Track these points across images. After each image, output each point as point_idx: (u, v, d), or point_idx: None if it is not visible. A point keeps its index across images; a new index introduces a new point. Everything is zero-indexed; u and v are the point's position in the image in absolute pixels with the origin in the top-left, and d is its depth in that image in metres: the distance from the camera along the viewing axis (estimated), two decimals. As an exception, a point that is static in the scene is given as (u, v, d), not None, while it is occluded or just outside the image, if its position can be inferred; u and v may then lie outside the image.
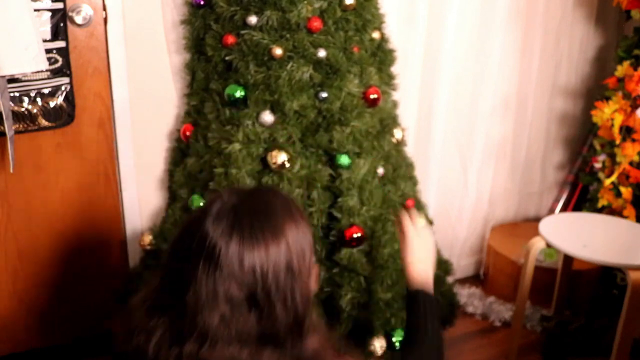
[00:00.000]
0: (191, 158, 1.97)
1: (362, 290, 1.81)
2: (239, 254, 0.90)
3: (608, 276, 2.53)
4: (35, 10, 1.77)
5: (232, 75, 1.84)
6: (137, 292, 1.02)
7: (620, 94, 2.47)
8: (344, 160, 1.80)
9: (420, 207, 2.16)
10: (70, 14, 1.91)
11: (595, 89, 2.96)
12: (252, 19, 1.78)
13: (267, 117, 1.79)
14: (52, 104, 1.94)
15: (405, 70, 2.40)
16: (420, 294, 1.35)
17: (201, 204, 1.90)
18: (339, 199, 1.80)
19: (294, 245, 0.94)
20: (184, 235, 0.96)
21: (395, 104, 2.11)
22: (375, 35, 1.97)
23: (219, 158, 1.81)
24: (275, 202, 0.98)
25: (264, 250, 0.91)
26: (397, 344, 1.88)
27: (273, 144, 1.78)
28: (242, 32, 1.80)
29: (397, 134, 2.04)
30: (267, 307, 0.91)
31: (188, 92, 2.10)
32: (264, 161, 1.80)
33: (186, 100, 2.10)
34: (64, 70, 1.93)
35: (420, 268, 1.40)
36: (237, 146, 1.77)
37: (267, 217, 0.94)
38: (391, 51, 2.09)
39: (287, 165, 1.76)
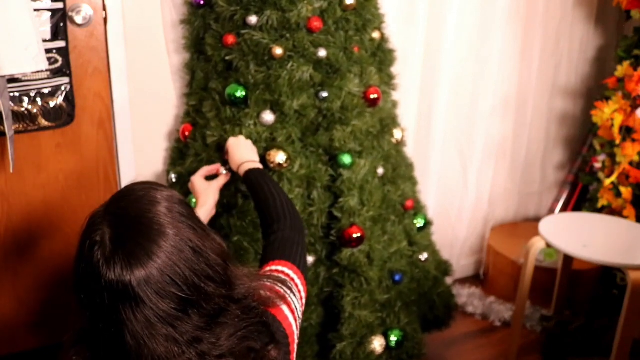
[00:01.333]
0: (190, 158, 1.97)
1: (363, 290, 1.81)
2: (148, 277, 0.87)
3: (608, 276, 2.53)
4: (35, 10, 1.77)
5: (233, 75, 1.84)
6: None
7: (620, 94, 2.47)
8: (346, 159, 1.80)
9: (420, 207, 2.16)
10: (70, 14, 1.91)
11: (595, 89, 2.96)
12: (252, 19, 1.78)
13: (268, 116, 1.79)
14: (52, 104, 1.93)
15: (405, 70, 2.40)
16: (250, 173, 1.50)
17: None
18: (340, 199, 1.80)
19: (180, 228, 0.92)
20: (84, 291, 0.92)
21: (395, 104, 2.11)
22: (375, 35, 1.97)
23: (218, 158, 1.81)
24: (140, 203, 0.94)
25: (164, 254, 0.89)
26: (394, 344, 1.88)
27: (272, 144, 1.78)
28: (242, 32, 1.80)
29: (397, 134, 2.04)
30: (199, 296, 0.90)
31: (187, 92, 2.10)
32: (263, 160, 1.80)
33: (185, 100, 2.10)
34: (64, 70, 1.93)
35: (242, 155, 1.59)
36: None
37: (145, 226, 0.90)
38: (391, 51, 2.09)
39: (286, 164, 1.76)
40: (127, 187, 0.99)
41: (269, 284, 1.06)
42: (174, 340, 0.88)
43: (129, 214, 0.92)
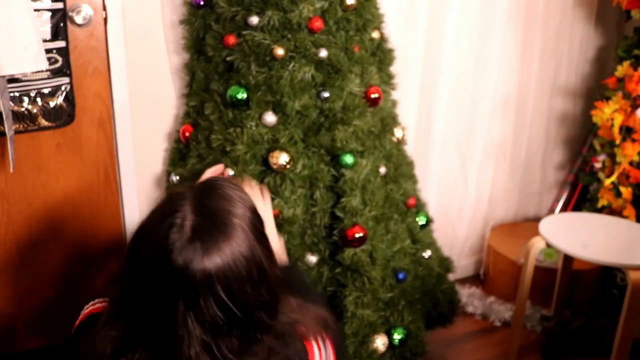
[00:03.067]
0: (192, 159, 1.97)
1: (366, 290, 1.81)
2: (212, 278, 0.86)
3: (608, 276, 2.53)
4: (35, 10, 1.77)
5: (234, 76, 1.84)
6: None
7: (620, 94, 2.48)
8: (348, 159, 1.80)
9: (421, 205, 2.16)
10: (70, 14, 1.91)
11: (595, 89, 2.96)
12: (254, 19, 1.77)
13: (270, 117, 1.79)
14: (52, 104, 1.93)
15: (405, 70, 2.40)
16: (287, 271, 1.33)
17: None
18: (342, 199, 1.80)
19: (255, 246, 0.91)
20: (141, 266, 0.90)
21: (394, 103, 2.11)
22: (375, 35, 1.97)
23: (224, 160, 1.81)
24: (227, 204, 0.93)
25: (233, 263, 0.88)
26: (397, 342, 1.88)
27: (274, 145, 1.78)
28: (244, 32, 1.80)
29: (398, 132, 2.04)
30: (247, 320, 0.89)
31: (187, 93, 2.10)
32: (266, 162, 1.80)
33: (185, 101, 2.10)
34: (64, 70, 1.93)
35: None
36: (242, 148, 1.77)
37: (226, 228, 0.90)
38: (390, 51, 2.09)
39: (288, 165, 1.76)
40: (215, 181, 0.98)
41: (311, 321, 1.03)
42: (210, 351, 0.88)
43: (214, 210, 0.91)
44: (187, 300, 0.86)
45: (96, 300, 1.13)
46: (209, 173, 1.58)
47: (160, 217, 0.91)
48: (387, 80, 2.09)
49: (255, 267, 0.90)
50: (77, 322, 1.12)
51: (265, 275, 0.92)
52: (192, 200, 0.92)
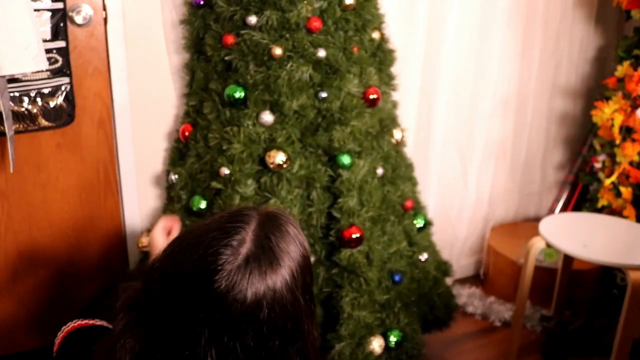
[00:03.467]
0: (191, 158, 1.97)
1: (362, 291, 1.81)
2: (246, 314, 0.81)
3: (608, 276, 2.53)
4: (35, 10, 1.77)
5: (232, 75, 1.84)
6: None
7: (620, 94, 2.47)
8: (346, 159, 1.80)
9: (419, 207, 2.16)
10: (70, 14, 1.91)
11: (595, 89, 2.96)
12: (252, 19, 1.78)
13: (267, 117, 1.79)
14: (52, 104, 1.94)
15: (405, 70, 2.40)
16: None
17: (202, 205, 1.89)
18: (339, 200, 1.80)
19: (297, 297, 0.86)
20: (182, 284, 0.83)
21: (395, 105, 2.11)
22: (375, 35, 1.97)
23: (220, 158, 1.81)
24: (289, 245, 0.88)
25: (270, 306, 0.82)
26: (393, 344, 1.88)
27: (271, 144, 1.78)
28: (242, 32, 1.80)
29: (397, 134, 2.04)
30: None
31: (187, 92, 2.10)
32: (262, 161, 1.80)
33: (185, 101, 2.10)
34: (64, 70, 1.93)
35: None
36: (238, 147, 1.77)
37: (277, 266, 0.85)
38: (391, 51, 2.09)
39: (285, 165, 1.76)
40: (283, 214, 0.92)
41: None
42: None
43: (274, 245, 0.86)
44: (213, 331, 0.81)
45: (75, 321, 1.08)
46: (163, 225, 1.42)
47: (217, 232, 0.85)
48: (388, 81, 2.09)
49: (292, 317, 0.85)
50: (58, 341, 1.08)
51: (300, 332, 0.86)
52: (256, 227, 0.86)
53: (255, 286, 0.81)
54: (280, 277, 0.84)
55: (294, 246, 0.88)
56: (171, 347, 0.84)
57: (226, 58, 1.85)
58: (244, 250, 0.83)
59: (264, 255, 0.84)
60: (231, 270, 0.81)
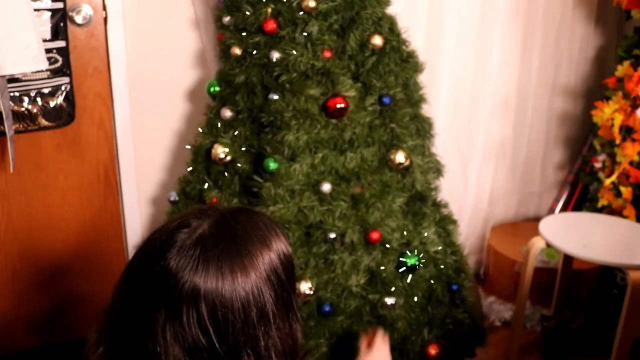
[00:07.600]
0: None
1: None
2: (200, 296, 0.79)
3: (608, 276, 2.53)
4: (35, 10, 1.77)
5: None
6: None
7: (620, 94, 2.47)
8: (272, 164, 1.68)
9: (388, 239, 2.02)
10: (70, 13, 1.91)
11: (595, 89, 2.96)
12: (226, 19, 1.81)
13: (227, 113, 1.80)
14: (52, 104, 1.93)
15: (405, 70, 2.39)
16: None
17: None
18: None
19: (264, 289, 0.83)
20: (140, 268, 0.83)
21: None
22: (378, 41, 1.85)
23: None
24: (253, 234, 0.85)
25: (233, 291, 0.80)
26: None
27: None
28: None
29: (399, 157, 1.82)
30: (233, 355, 0.81)
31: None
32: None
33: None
34: (64, 70, 1.93)
35: None
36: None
37: (238, 254, 0.82)
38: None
39: (226, 160, 1.78)
40: (257, 213, 0.91)
41: None
42: None
43: (236, 232, 0.84)
44: (168, 311, 0.79)
45: None
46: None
47: (180, 217, 0.86)
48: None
49: (257, 310, 0.82)
50: None
51: (267, 322, 0.83)
52: (220, 215, 0.86)
53: (209, 269, 0.80)
54: (242, 268, 0.81)
55: (264, 238, 0.86)
56: (131, 340, 0.83)
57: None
58: (200, 230, 0.83)
59: (223, 239, 0.83)
60: (182, 247, 0.81)
